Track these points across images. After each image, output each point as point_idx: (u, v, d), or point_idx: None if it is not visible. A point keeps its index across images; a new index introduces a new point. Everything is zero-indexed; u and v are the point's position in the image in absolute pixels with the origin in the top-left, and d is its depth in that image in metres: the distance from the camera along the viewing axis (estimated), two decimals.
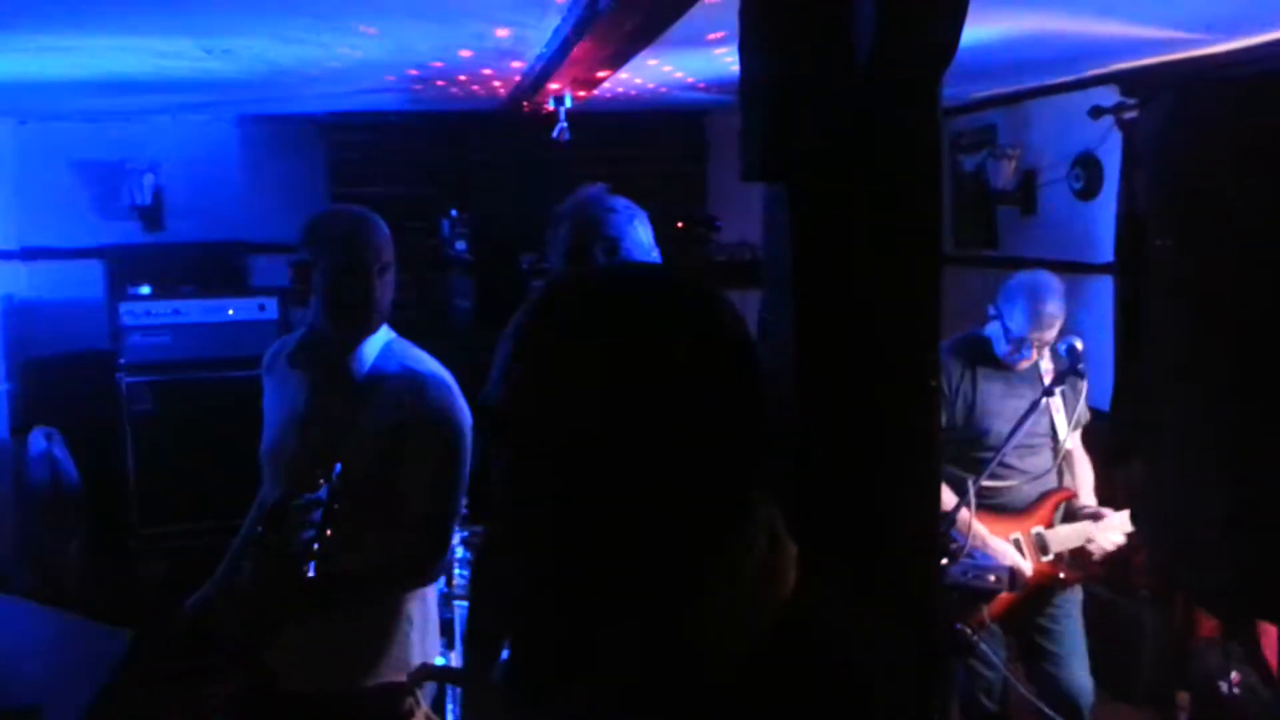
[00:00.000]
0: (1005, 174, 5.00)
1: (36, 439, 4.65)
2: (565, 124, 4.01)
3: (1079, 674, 3.42)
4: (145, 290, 4.76)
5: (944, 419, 3.18)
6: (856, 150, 1.48)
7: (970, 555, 3.23)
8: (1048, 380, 3.36)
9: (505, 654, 2.30)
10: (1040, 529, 3.37)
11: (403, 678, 2.42)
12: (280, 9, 2.71)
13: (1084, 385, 3.45)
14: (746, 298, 2.96)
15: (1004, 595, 3.26)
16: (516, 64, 3.63)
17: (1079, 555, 3.36)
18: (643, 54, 3.16)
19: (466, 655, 2.41)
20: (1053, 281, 3.34)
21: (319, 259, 2.36)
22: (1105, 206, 4.49)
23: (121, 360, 4.61)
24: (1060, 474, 3.51)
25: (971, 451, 3.34)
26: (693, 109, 5.36)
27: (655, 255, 2.30)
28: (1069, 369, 3.34)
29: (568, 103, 3.98)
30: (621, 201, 2.29)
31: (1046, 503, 3.41)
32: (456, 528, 3.51)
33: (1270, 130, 1.45)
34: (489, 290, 5.17)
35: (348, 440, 2.34)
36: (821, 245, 1.52)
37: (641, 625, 0.95)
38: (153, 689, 4.12)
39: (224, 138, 5.32)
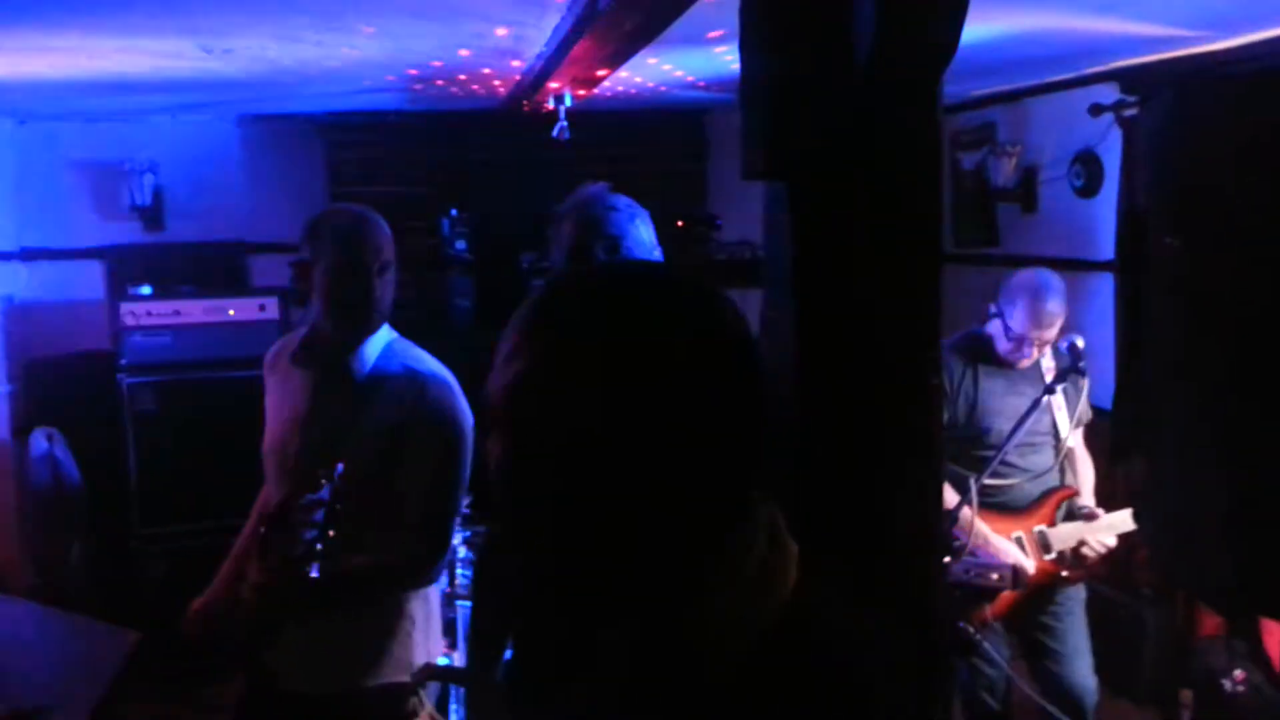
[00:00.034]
0: (1005, 171, 5.00)
1: (38, 440, 4.65)
2: (565, 123, 4.01)
3: (1082, 672, 3.42)
4: (146, 290, 4.76)
5: (945, 417, 3.18)
6: (857, 149, 1.48)
7: (972, 553, 3.23)
8: (1049, 378, 3.36)
9: (508, 654, 2.30)
10: (1043, 527, 3.37)
11: (406, 677, 2.42)
12: (280, 8, 2.71)
13: (1085, 383, 3.45)
14: (747, 296, 2.95)
15: (1006, 593, 3.26)
16: (516, 63, 3.63)
17: (1076, 554, 3.36)
18: (643, 53, 3.16)
19: (469, 655, 2.41)
20: (1054, 280, 3.33)
21: (320, 258, 2.36)
22: (1106, 204, 4.49)
23: (122, 360, 4.61)
24: (1062, 472, 3.51)
25: (973, 450, 3.33)
26: (693, 107, 5.36)
27: (657, 254, 2.30)
28: (1070, 367, 3.34)
29: (568, 101, 3.98)
30: (623, 200, 2.29)
31: (1049, 501, 3.41)
32: (459, 528, 3.52)
33: (1271, 127, 1.45)
34: (489, 290, 5.17)
35: (349, 440, 2.34)
36: (822, 244, 1.52)
37: (641, 625, 0.95)
38: (157, 689, 4.12)
39: (224, 137, 5.32)
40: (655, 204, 2.41)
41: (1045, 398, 3.30)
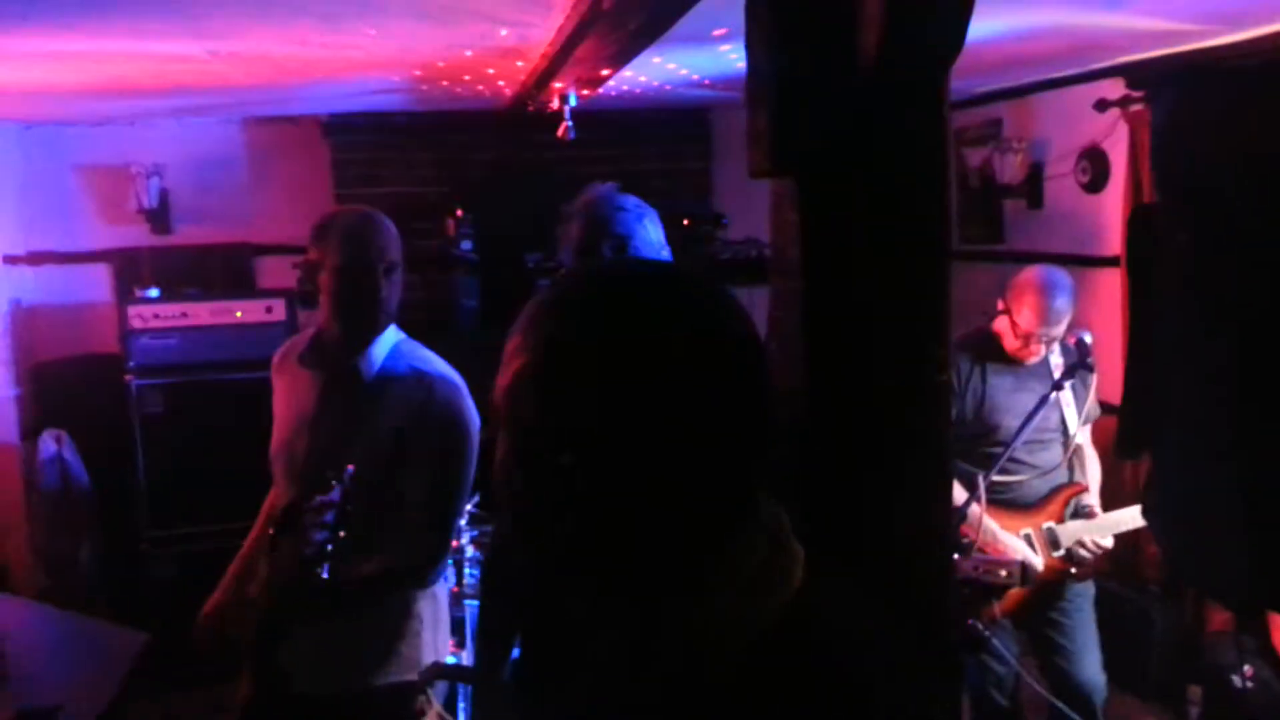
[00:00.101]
0: (1011, 168, 4.99)
1: (46, 442, 4.66)
2: (570, 122, 4.01)
3: (1091, 669, 3.42)
4: (153, 293, 4.78)
5: (953, 414, 3.17)
6: (864, 146, 1.48)
7: (981, 550, 3.23)
8: (1057, 375, 3.36)
9: (516, 653, 2.31)
10: (1051, 524, 3.37)
11: (414, 677, 2.43)
12: (285, 11, 2.72)
13: (1094, 379, 3.44)
14: (753, 295, 2.95)
15: (1015, 590, 3.26)
16: (521, 63, 3.63)
17: (1077, 553, 3.36)
18: (647, 51, 3.16)
19: (477, 654, 2.41)
20: (1062, 277, 3.33)
21: (327, 259, 2.37)
22: (1112, 199, 4.48)
23: (130, 363, 4.62)
24: (1071, 469, 3.50)
25: (981, 447, 3.33)
26: (698, 106, 5.36)
27: (665, 253, 2.30)
28: (1078, 363, 3.33)
29: (572, 101, 3.98)
30: (631, 200, 2.29)
31: (1057, 498, 3.40)
32: (468, 527, 3.53)
33: (1277, 121, 1.45)
34: (495, 290, 5.16)
35: (357, 440, 2.35)
36: (829, 242, 1.52)
37: (642, 624, 0.95)
38: (166, 690, 4.13)
39: (230, 139, 5.33)
40: (661, 203, 2.41)
41: (1053, 394, 3.30)
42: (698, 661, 0.91)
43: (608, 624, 0.99)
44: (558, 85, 3.76)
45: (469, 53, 3.43)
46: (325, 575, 2.07)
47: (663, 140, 5.52)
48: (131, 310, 4.64)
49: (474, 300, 5.20)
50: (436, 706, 2.52)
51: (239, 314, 4.74)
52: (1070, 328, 3.34)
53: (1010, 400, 3.36)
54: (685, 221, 4.99)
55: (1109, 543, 3.34)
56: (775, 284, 1.62)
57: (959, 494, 3.08)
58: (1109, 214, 4.52)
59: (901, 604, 1.52)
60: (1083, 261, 4.55)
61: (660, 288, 0.97)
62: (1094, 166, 4.58)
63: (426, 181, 5.35)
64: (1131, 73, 4.19)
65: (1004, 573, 3.18)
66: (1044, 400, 3.26)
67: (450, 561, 3.23)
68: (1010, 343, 3.35)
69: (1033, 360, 3.37)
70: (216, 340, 4.69)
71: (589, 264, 2.15)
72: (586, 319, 0.93)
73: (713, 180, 5.66)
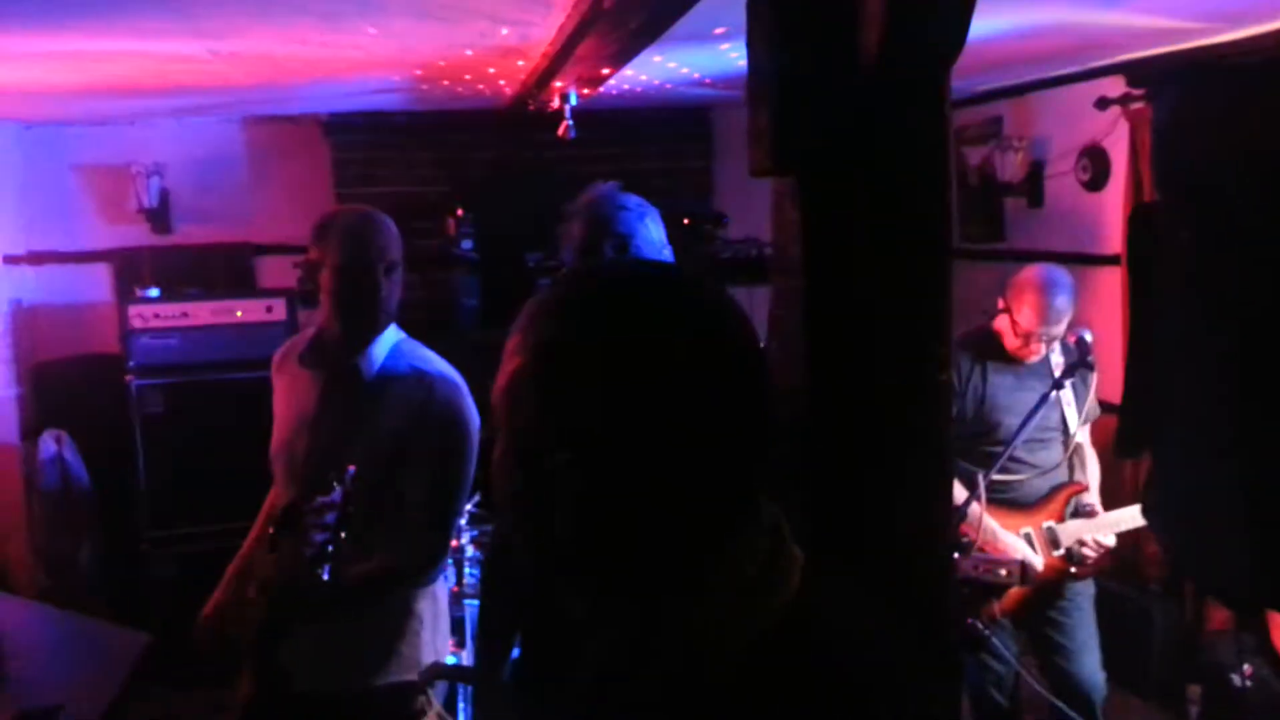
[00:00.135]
0: (1012, 166, 4.99)
1: (47, 442, 4.66)
2: (571, 121, 4.01)
3: (1091, 668, 3.42)
4: (153, 293, 4.77)
5: (954, 413, 3.17)
6: (865, 145, 1.48)
7: (981, 549, 3.23)
8: (1058, 373, 3.36)
9: (516, 653, 2.30)
10: (1051, 523, 3.36)
11: (414, 677, 2.43)
12: (285, 10, 2.72)
13: (1094, 378, 3.44)
14: (753, 294, 2.95)
15: (1015, 589, 3.26)
16: (521, 62, 3.63)
17: (1078, 551, 3.36)
18: (648, 50, 3.16)
19: (477, 654, 2.42)
20: (1062, 276, 3.33)
21: (327, 259, 2.37)
22: (1113, 198, 4.48)
23: (130, 363, 4.62)
24: (1071, 468, 3.50)
25: (982, 445, 3.33)
26: (699, 105, 5.35)
27: (667, 253, 2.30)
28: (1079, 361, 3.33)
29: (573, 100, 3.98)
30: (633, 199, 2.28)
31: (1057, 497, 3.40)
32: (468, 527, 3.53)
33: (1278, 118, 1.45)
34: (495, 289, 5.16)
35: (357, 440, 2.35)
36: (830, 241, 1.52)
37: (642, 624, 0.95)
38: (166, 690, 4.14)
39: (230, 139, 5.33)
40: (661, 202, 2.41)
41: (1054, 393, 3.30)
42: (698, 661, 0.91)
43: (608, 624, 0.99)
44: (558, 84, 3.76)
45: (469, 52, 3.43)
46: (326, 576, 2.07)
47: (663, 139, 5.52)
48: (132, 310, 4.63)
49: (474, 300, 5.20)
50: (436, 706, 2.52)
51: (239, 314, 4.74)
52: (1071, 326, 3.34)
53: (1011, 399, 3.36)
54: (686, 220, 4.99)
55: (1111, 541, 3.34)
56: (776, 282, 1.62)
57: (959, 493, 3.08)
58: (1109, 212, 4.52)
59: (901, 603, 1.52)
60: (1083, 260, 4.55)
61: (661, 289, 0.97)
62: (1094, 165, 4.58)
63: (427, 181, 5.35)
64: (1132, 70, 4.19)
65: (1004, 572, 3.18)
66: (1044, 399, 3.26)
67: (450, 561, 3.23)
68: (1011, 341, 3.35)
69: (1033, 359, 3.37)
70: (217, 340, 4.68)
71: (589, 264, 2.15)
72: (588, 319, 0.93)
73: (713, 179, 5.66)
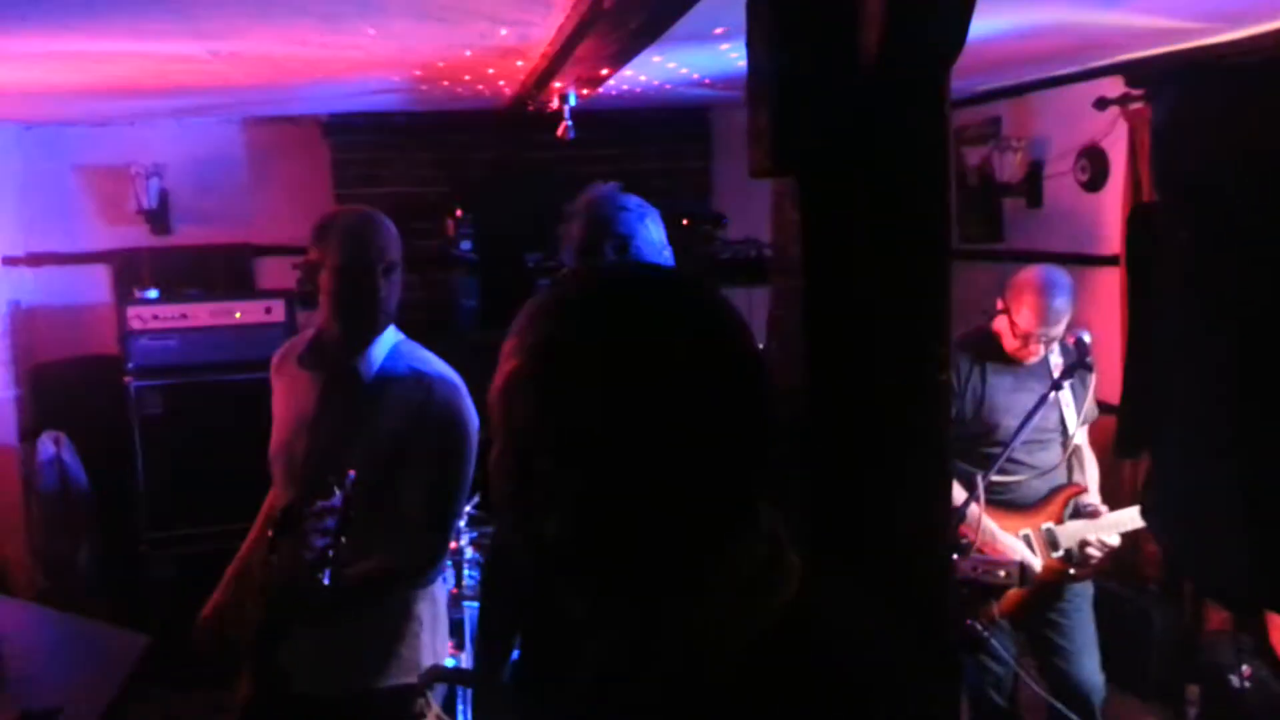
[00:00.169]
0: (1011, 166, 4.99)
1: (45, 444, 4.66)
2: (570, 122, 4.01)
3: (1090, 669, 3.42)
4: (152, 294, 4.77)
5: (953, 414, 3.17)
6: (865, 145, 1.48)
7: (980, 551, 3.22)
8: (1057, 374, 3.36)
9: (515, 655, 2.30)
10: (1050, 524, 3.36)
11: (413, 679, 2.43)
12: (285, 11, 2.72)
13: (1093, 379, 3.44)
14: (752, 295, 2.96)
15: (1014, 591, 3.26)
16: (520, 63, 3.63)
17: (1082, 552, 3.35)
18: (647, 51, 3.16)
19: (477, 656, 2.41)
20: (1061, 277, 3.32)
21: (326, 259, 2.37)
22: (1112, 198, 4.48)
23: (129, 364, 4.61)
24: (1070, 469, 3.50)
25: (980, 447, 3.33)
26: (697, 105, 5.35)
27: (667, 254, 2.30)
28: (1078, 362, 3.33)
29: (572, 101, 3.98)
30: (634, 200, 2.28)
31: (1056, 498, 3.40)
32: (467, 529, 3.53)
33: (1278, 119, 1.45)
34: (494, 290, 5.17)
35: (356, 441, 2.35)
36: (830, 241, 1.51)
37: (642, 625, 0.95)
38: (165, 691, 4.13)
39: (229, 140, 5.33)
40: (660, 202, 2.41)
41: (1053, 394, 3.30)
42: (698, 661, 0.91)
43: (608, 625, 0.99)
44: (558, 85, 3.76)
45: (469, 52, 3.43)
46: (327, 581, 2.06)
47: (662, 140, 5.52)
48: (131, 311, 4.63)
49: (473, 300, 5.21)
50: (435, 709, 2.52)
51: (238, 315, 4.73)
52: (1070, 327, 3.34)
53: (1009, 400, 3.36)
54: (685, 221, 4.99)
55: (1116, 541, 3.33)
56: (776, 283, 1.62)
57: (958, 494, 3.08)
58: (1108, 213, 4.52)
59: (901, 603, 1.52)
60: (1082, 260, 4.55)
61: (661, 290, 0.97)
62: (1093, 165, 4.58)
63: (426, 181, 5.35)
64: (1131, 71, 4.19)
65: (1003, 573, 3.18)
66: (1043, 400, 3.26)
67: (449, 563, 3.23)
68: (1009, 342, 3.35)
69: (1032, 360, 3.37)
70: (216, 341, 4.68)
71: (587, 265, 2.15)
72: (588, 320, 0.93)
73: (712, 180, 5.66)
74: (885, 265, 1.52)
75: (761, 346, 1.01)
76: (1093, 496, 3.48)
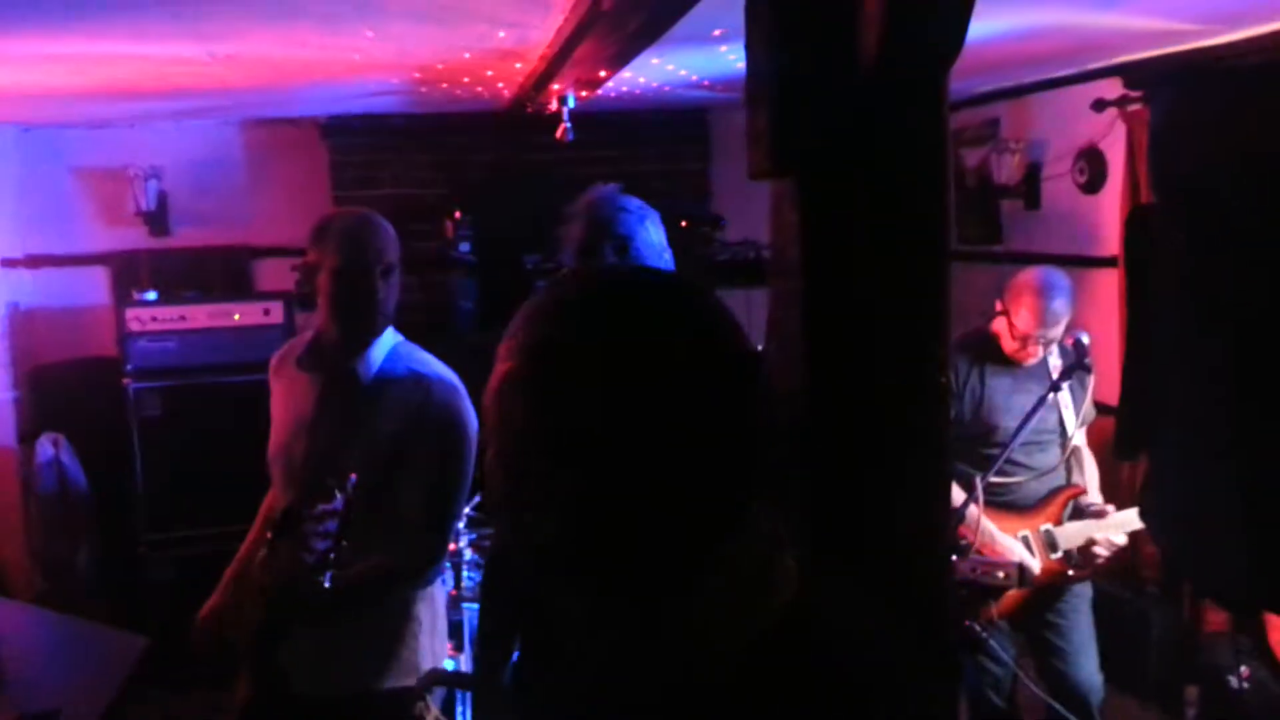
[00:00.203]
0: (1009, 168, 4.99)
1: (44, 446, 4.66)
2: (569, 124, 4.01)
3: (1088, 670, 3.42)
4: (151, 296, 4.77)
5: (952, 415, 3.18)
6: (863, 147, 1.48)
7: (979, 552, 3.23)
8: (1055, 376, 3.36)
9: (514, 657, 2.30)
10: (1049, 525, 3.37)
11: (412, 681, 2.42)
12: (284, 13, 2.72)
13: (1091, 380, 3.44)
14: (751, 296, 2.96)
15: (1013, 592, 3.26)
16: (519, 65, 3.63)
17: (1085, 553, 3.36)
18: (646, 53, 3.16)
19: (477, 657, 2.41)
20: (1060, 278, 3.33)
21: (325, 261, 2.37)
22: (1110, 199, 4.49)
23: (128, 366, 4.61)
24: (1069, 470, 3.51)
25: (979, 448, 3.33)
26: (696, 107, 5.36)
27: (667, 256, 2.30)
28: (1076, 364, 3.34)
29: (571, 103, 3.98)
30: (634, 201, 2.29)
31: (1055, 499, 3.41)
32: (466, 530, 3.53)
33: (1276, 121, 1.45)
34: (493, 292, 5.17)
35: (355, 443, 2.35)
36: (829, 243, 1.51)
37: (642, 625, 0.95)
38: (164, 693, 4.13)
39: (227, 141, 5.33)
40: (659, 204, 2.41)
41: (1051, 395, 3.30)
42: (698, 661, 0.91)
43: (608, 624, 0.99)
44: (556, 87, 3.76)
45: (468, 54, 3.44)
46: (328, 584, 2.06)
47: (661, 141, 5.52)
48: (129, 313, 4.63)
49: (472, 302, 5.21)
50: (434, 711, 2.52)
51: (237, 317, 4.73)
52: (1068, 329, 3.35)
53: (1008, 401, 3.36)
54: (683, 223, 5.00)
55: (1123, 540, 3.33)
56: (775, 284, 1.62)
57: (957, 495, 3.08)
58: (1106, 214, 4.53)
59: (901, 604, 1.52)
60: (1080, 262, 4.55)
61: (660, 291, 0.98)
62: (1091, 167, 4.58)
63: (425, 183, 5.35)
64: (1129, 72, 4.19)
65: (1001, 574, 3.18)
66: (1042, 401, 3.26)
67: (448, 565, 3.22)
68: (1008, 344, 3.36)
69: (1031, 361, 3.37)
70: (214, 343, 4.68)
71: (583, 267, 2.15)
72: (587, 321, 0.93)
73: (711, 181, 5.66)
74: (884, 266, 1.52)
75: (761, 348, 1.01)
76: (1094, 497, 3.48)
